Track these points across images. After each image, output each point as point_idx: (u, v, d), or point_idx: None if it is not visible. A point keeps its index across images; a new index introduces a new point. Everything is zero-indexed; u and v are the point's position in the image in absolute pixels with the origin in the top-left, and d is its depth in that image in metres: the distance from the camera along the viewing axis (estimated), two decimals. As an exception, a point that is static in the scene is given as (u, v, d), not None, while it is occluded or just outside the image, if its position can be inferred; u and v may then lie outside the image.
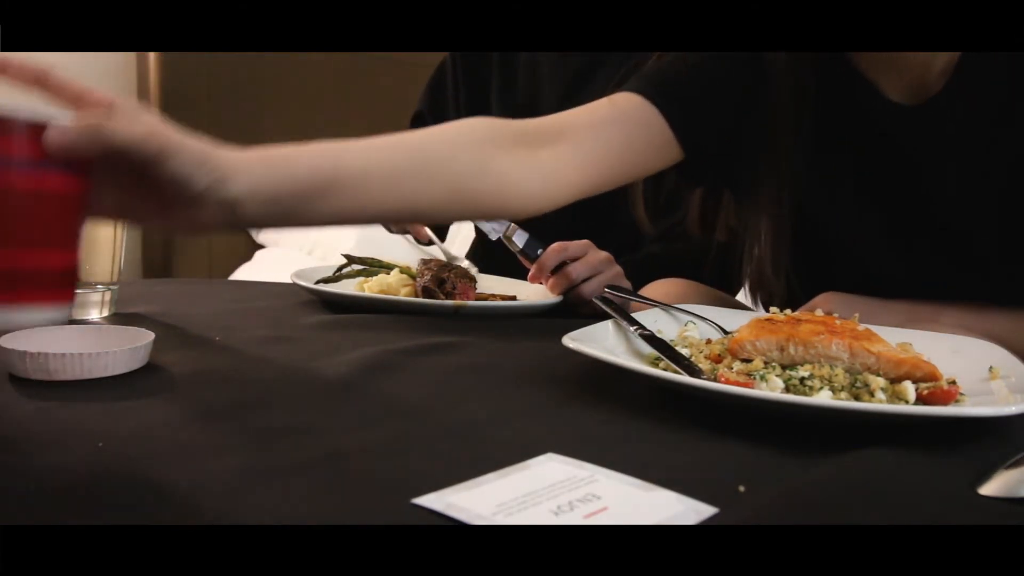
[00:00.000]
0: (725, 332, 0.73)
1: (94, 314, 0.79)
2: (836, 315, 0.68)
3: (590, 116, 0.77)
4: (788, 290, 0.87)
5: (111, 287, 0.80)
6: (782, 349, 0.59)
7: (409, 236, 1.20)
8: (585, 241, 0.96)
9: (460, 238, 1.74)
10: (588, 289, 0.92)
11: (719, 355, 0.63)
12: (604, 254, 0.95)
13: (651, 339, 0.65)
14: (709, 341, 0.69)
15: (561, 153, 0.73)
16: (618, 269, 0.96)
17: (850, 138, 0.82)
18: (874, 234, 0.83)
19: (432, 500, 0.37)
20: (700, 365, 0.60)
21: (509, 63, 1.29)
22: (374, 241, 2.20)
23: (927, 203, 0.80)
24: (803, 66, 0.82)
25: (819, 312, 0.68)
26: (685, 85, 0.81)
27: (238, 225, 0.52)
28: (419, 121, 1.38)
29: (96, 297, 0.79)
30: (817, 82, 0.82)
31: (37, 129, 0.40)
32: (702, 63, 0.82)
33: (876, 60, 0.79)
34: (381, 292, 0.94)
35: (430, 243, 1.14)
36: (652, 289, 1.02)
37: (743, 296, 1.18)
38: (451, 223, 0.76)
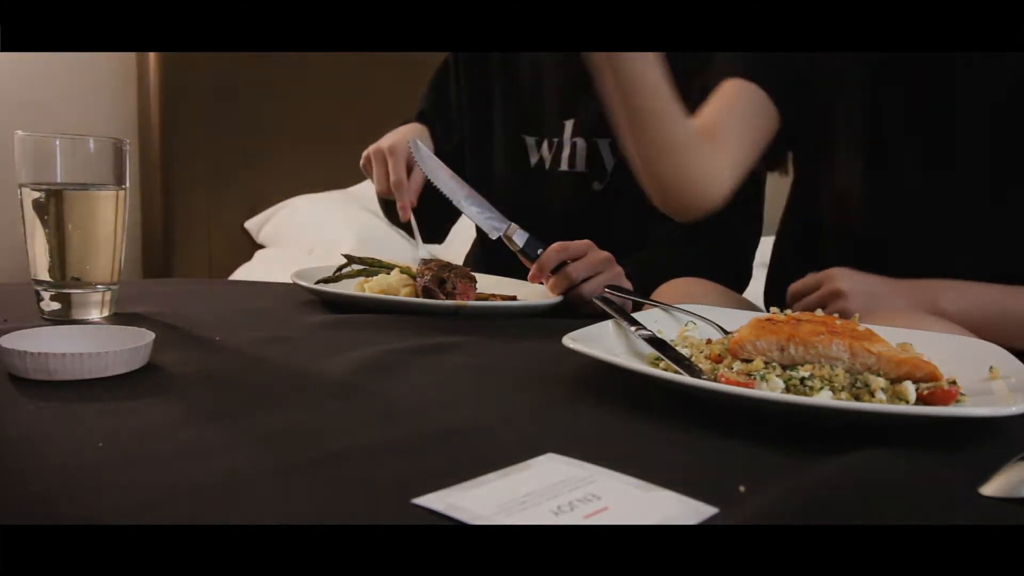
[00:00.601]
0: (725, 332, 0.73)
1: (94, 314, 0.79)
2: (844, 290, 0.69)
3: (719, 114, 0.90)
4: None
5: (111, 287, 0.80)
6: (782, 349, 0.59)
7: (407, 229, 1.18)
8: (586, 241, 0.96)
9: (459, 240, 1.74)
10: (588, 289, 0.92)
11: (719, 355, 0.63)
12: (604, 254, 0.95)
13: (651, 339, 0.65)
14: (709, 341, 0.69)
15: (716, 151, 0.87)
16: (619, 269, 0.96)
17: (910, 78, 0.89)
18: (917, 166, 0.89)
19: (432, 500, 0.37)
20: (700, 365, 0.60)
21: (510, 64, 1.29)
22: (374, 241, 2.20)
23: (976, 135, 0.86)
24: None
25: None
26: (779, 59, 0.93)
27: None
28: (422, 121, 1.38)
29: (96, 297, 0.79)
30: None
31: None
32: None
33: None
34: (381, 292, 0.94)
35: (408, 225, 1.13)
36: (669, 288, 1.02)
37: (748, 293, 1.19)
38: (664, 185, 0.85)
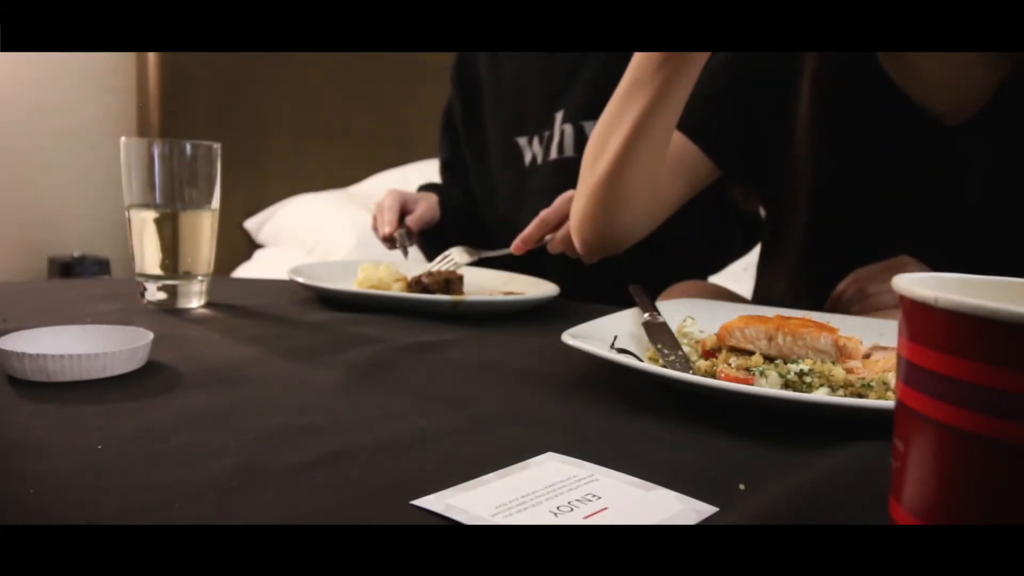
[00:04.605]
0: None
1: (195, 303, 0.86)
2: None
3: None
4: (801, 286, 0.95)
5: (206, 277, 0.87)
6: (770, 338, 0.59)
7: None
8: (561, 209, 1.00)
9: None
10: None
11: (713, 350, 0.63)
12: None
13: (650, 326, 0.65)
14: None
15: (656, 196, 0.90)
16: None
17: (875, 143, 0.88)
18: (890, 231, 0.87)
19: (431, 501, 0.37)
20: (694, 360, 0.61)
21: (497, 70, 1.31)
22: (374, 241, 2.19)
23: (948, 204, 0.84)
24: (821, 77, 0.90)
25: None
26: (713, 110, 0.94)
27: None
28: (448, 169, 1.42)
29: (197, 287, 0.86)
30: (839, 92, 0.89)
31: None
32: (725, 85, 0.95)
33: (928, 74, 0.82)
34: (371, 287, 0.94)
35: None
36: (675, 290, 1.06)
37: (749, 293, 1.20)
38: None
